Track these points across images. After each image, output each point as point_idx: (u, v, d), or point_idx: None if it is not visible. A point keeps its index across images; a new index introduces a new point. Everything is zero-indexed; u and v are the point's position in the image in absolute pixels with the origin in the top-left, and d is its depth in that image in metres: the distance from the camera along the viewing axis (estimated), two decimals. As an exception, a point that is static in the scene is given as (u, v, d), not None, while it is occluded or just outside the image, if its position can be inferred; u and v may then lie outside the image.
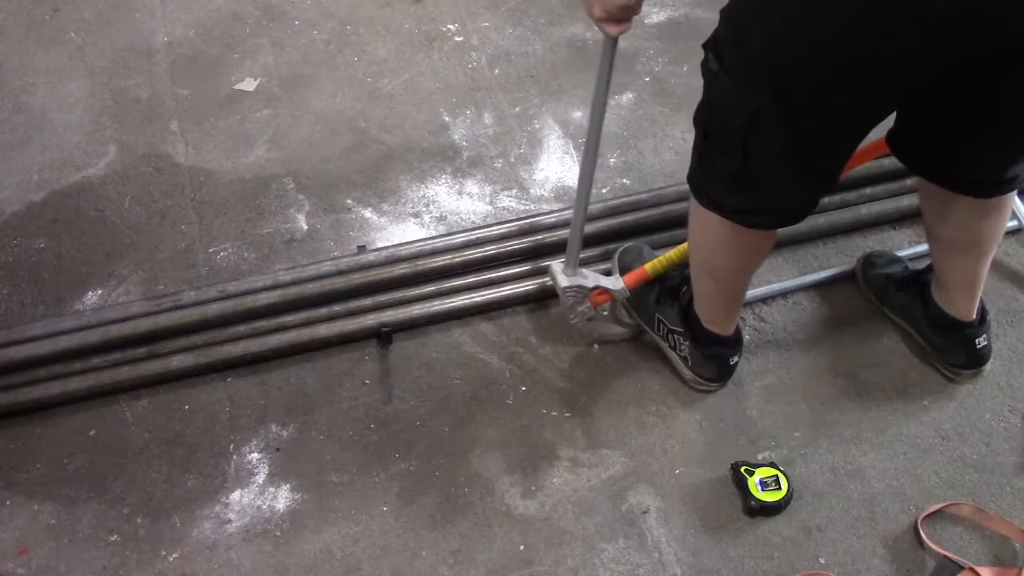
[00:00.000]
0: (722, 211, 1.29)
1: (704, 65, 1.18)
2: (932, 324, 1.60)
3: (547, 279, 1.71)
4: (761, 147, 1.16)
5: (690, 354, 1.57)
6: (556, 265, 1.61)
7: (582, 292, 1.59)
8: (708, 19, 2.39)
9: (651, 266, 1.58)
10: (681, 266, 1.56)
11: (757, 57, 1.09)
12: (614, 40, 1.25)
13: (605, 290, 1.59)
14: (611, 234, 1.82)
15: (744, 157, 1.18)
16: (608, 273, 1.67)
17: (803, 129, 1.14)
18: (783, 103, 1.10)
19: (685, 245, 1.55)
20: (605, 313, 1.65)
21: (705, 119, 1.22)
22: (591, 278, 1.59)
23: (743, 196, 1.25)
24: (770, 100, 1.10)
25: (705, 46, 1.18)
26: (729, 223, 1.30)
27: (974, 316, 1.55)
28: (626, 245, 1.72)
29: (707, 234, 1.37)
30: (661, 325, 1.60)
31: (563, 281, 1.59)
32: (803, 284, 1.77)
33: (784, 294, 1.76)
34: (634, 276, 1.59)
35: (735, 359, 1.59)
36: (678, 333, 1.57)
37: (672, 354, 1.61)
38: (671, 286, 1.60)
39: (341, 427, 1.58)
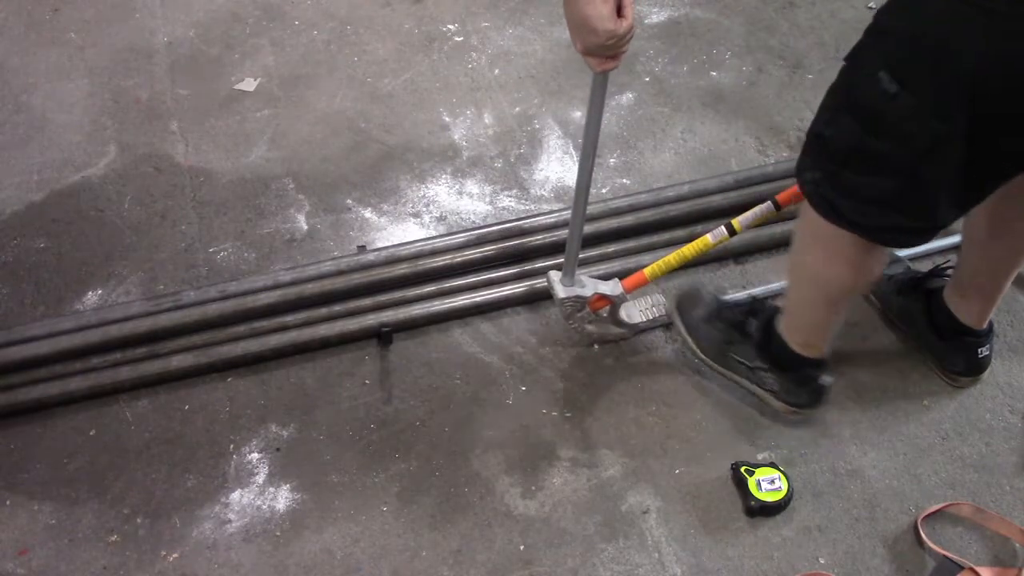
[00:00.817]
0: (865, 231, 1.22)
1: (866, 86, 1.09)
2: (933, 328, 1.59)
3: (545, 280, 1.72)
4: (936, 169, 1.10)
5: (779, 386, 1.52)
6: (553, 274, 1.60)
7: (580, 301, 1.59)
8: (708, 19, 2.39)
9: (650, 270, 1.57)
10: (735, 303, 1.56)
11: (958, 83, 1.02)
12: (603, 76, 1.21)
13: (603, 296, 1.58)
14: (611, 234, 1.82)
15: (911, 178, 1.12)
16: (607, 277, 1.67)
17: (991, 152, 1.09)
18: (978, 128, 1.05)
19: (686, 249, 1.54)
20: (604, 315, 1.65)
21: (857, 140, 1.13)
22: (589, 286, 1.58)
23: (895, 215, 1.17)
24: (964, 125, 1.05)
25: (862, 63, 1.11)
26: (863, 242, 1.23)
27: (984, 325, 1.55)
28: (681, 289, 1.65)
29: (831, 253, 1.30)
30: (740, 365, 1.56)
31: (561, 292, 1.58)
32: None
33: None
34: (632, 280, 1.58)
35: (828, 379, 1.52)
36: (761, 369, 1.53)
37: (757, 391, 1.56)
38: (735, 321, 1.57)
39: (341, 427, 1.58)
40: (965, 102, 1.03)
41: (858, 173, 1.16)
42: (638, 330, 1.67)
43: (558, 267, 1.77)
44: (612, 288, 1.58)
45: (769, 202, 1.50)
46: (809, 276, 1.39)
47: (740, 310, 1.58)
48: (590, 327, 1.64)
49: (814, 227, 1.26)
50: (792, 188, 1.42)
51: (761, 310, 1.57)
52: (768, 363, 1.53)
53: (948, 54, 1.02)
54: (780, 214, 1.87)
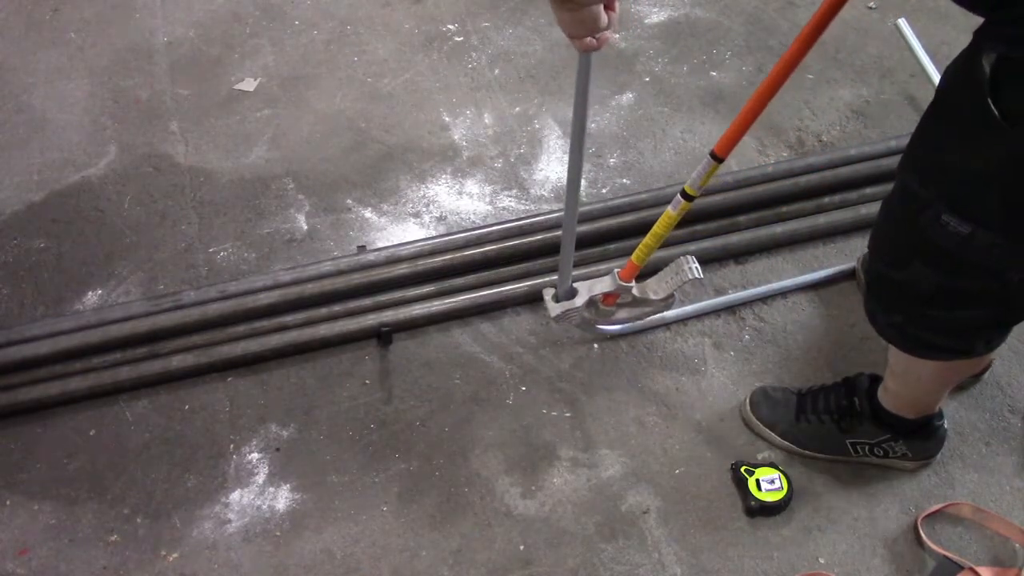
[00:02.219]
0: (970, 354, 1.20)
1: (933, 232, 1.05)
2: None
3: (544, 287, 1.72)
4: None
5: (909, 448, 1.46)
6: (547, 294, 1.55)
7: (577, 313, 1.54)
8: (708, 19, 2.39)
9: (636, 256, 1.49)
10: (818, 388, 1.50)
11: None
12: (587, 58, 1.14)
13: (608, 293, 1.55)
14: (611, 234, 1.82)
15: (1010, 301, 1.10)
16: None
17: None
18: None
19: (656, 227, 1.45)
20: (629, 300, 1.55)
21: (939, 283, 1.09)
22: (581, 292, 1.53)
23: (999, 331, 1.18)
24: None
25: (918, 209, 1.06)
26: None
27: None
28: (750, 401, 1.57)
29: (944, 369, 1.28)
30: (861, 447, 1.47)
31: (552, 311, 1.52)
32: (803, 283, 1.77)
33: (784, 294, 1.76)
34: (627, 270, 1.53)
35: (945, 422, 1.48)
36: (886, 440, 1.46)
37: (886, 462, 1.49)
38: (840, 407, 1.48)
39: (341, 427, 1.58)
40: None
41: (949, 310, 1.12)
42: (670, 299, 1.57)
43: (556, 267, 1.77)
44: (610, 283, 1.54)
45: (708, 157, 1.37)
46: (926, 388, 1.36)
47: (836, 394, 1.49)
48: (624, 313, 1.59)
49: (920, 363, 1.23)
50: (728, 132, 1.32)
51: (858, 384, 1.47)
52: (890, 432, 1.45)
53: (1014, 183, 0.98)
54: (779, 213, 1.87)
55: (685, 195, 1.42)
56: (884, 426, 1.44)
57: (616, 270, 1.53)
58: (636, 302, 1.57)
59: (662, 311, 1.61)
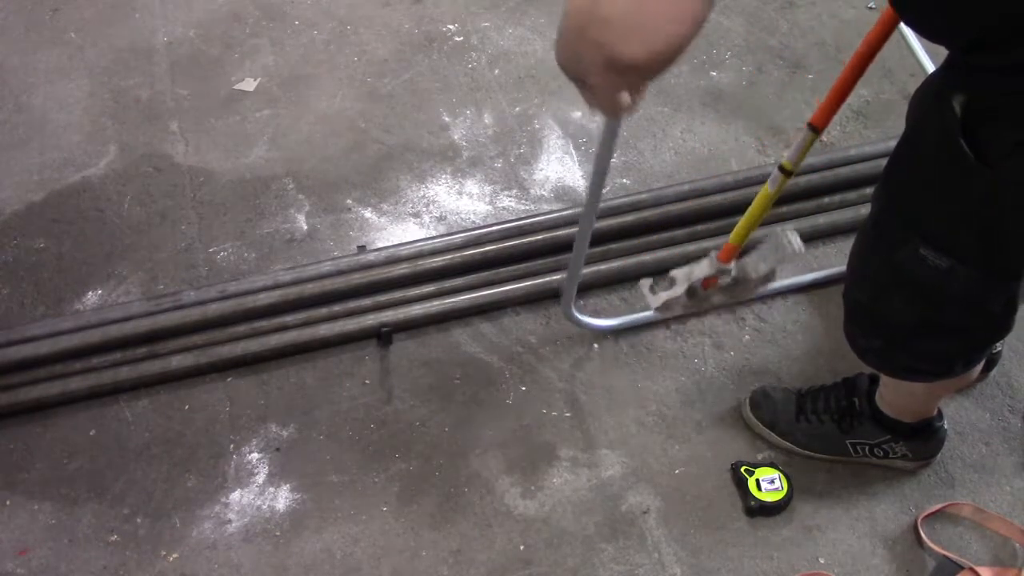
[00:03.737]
0: (955, 374, 1.21)
1: (911, 265, 1.04)
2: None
3: (545, 280, 1.73)
4: (1014, 309, 1.08)
5: (909, 449, 1.46)
6: (643, 285, 1.49)
7: (678, 302, 1.47)
8: (708, 19, 2.39)
9: (734, 237, 1.41)
10: (818, 388, 1.50)
11: (1016, 254, 1.01)
12: (615, 124, 1.09)
13: (708, 277, 1.45)
14: (611, 234, 1.82)
15: (996, 326, 1.10)
16: (614, 276, 1.65)
17: None
18: None
19: (752, 208, 1.39)
20: (731, 280, 1.46)
21: (919, 315, 1.09)
22: (680, 281, 1.45)
23: (982, 352, 1.20)
24: None
25: (896, 241, 1.05)
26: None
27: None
28: (751, 401, 1.58)
29: (932, 388, 1.32)
30: (861, 447, 1.48)
31: (654, 302, 1.46)
32: (803, 283, 1.77)
33: (784, 294, 1.76)
34: (725, 251, 1.43)
35: (945, 422, 1.48)
36: (886, 441, 1.46)
37: (886, 462, 1.49)
38: (840, 407, 1.48)
39: (341, 427, 1.58)
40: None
41: (929, 339, 1.12)
42: (771, 276, 1.49)
43: (556, 267, 1.78)
44: (709, 267, 1.45)
45: (807, 129, 1.31)
46: (919, 400, 1.38)
47: (836, 394, 1.49)
48: (720, 297, 1.51)
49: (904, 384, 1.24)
50: (825, 103, 1.29)
51: (858, 384, 1.48)
52: (890, 433, 1.45)
53: (997, 233, 0.97)
54: (779, 214, 1.87)
55: (783, 170, 1.35)
56: (884, 427, 1.44)
57: (714, 253, 1.45)
58: (736, 283, 1.49)
59: (762, 289, 1.52)
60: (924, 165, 1.01)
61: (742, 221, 1.41)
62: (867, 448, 1.47)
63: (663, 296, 1.45)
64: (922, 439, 1.46)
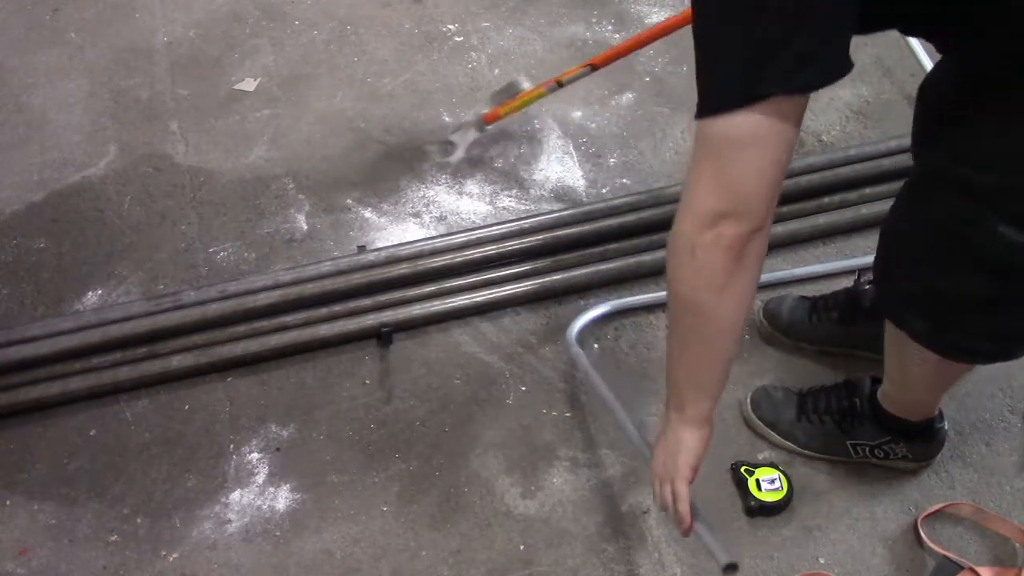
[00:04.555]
0: (1010, 358, 1.19)
1: (987, 242, 1.02)
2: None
3: (544, 280, 1.73)
4: None
5: (909, 450, 1.45)
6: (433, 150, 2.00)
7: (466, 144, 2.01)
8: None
9: (504, 112, 1.93)
10: (819, 389, 1.50)
11: None
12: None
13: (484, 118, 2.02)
14: (611, 234, 1.82)
15: None
16: (606, 278, 1.65)
17: None
18: None
19: (525, 94, 1.90)
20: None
21: (989, 291, 1.08)
22: (459, 143, 2.03)
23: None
24: None
25: (968, 221, 1.03)
26: None
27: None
28: (751, 400, 1.57)
29: (939, 376, 1.30)
30: (861, 448, 1.47)
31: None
32: (801, 276, 1.77)
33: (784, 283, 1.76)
34: (491, 116, 1.98)
35: (946, 423, 1.48)
36: (887, 442, 1.45)
37: (887, 463, 1.48)
38: (841, 408, 1.47)
39: (341, 427, 1.58)
40: None
41: (994, 315, 1.11)
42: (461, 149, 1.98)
43: (556, 267, 1.78)
44: (477, 127, 2.00)
45: (588, 67, 1.85)
46: (924, 390, 1.36)
47: (838, 394, 1.48)
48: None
49: (939, 363, 1.21)
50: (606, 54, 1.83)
51: (860, 385, 1.47)
52: (891, 434, 1.44)
53: None
54: (779, 213, 1.87)
55: (559, 82, 1.88)
56: (885, 428, 1.44)
57: (481, 116, 1.98)
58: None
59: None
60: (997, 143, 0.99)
61: (514, 103, 1.92)
62: (867, 449, 1.46)
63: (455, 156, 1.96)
64: (923, 440, 1.46)
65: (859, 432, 1.46)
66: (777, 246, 1.83)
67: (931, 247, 1.10)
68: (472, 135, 2.02)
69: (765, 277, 1.75)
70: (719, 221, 0.94)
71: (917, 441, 1.45)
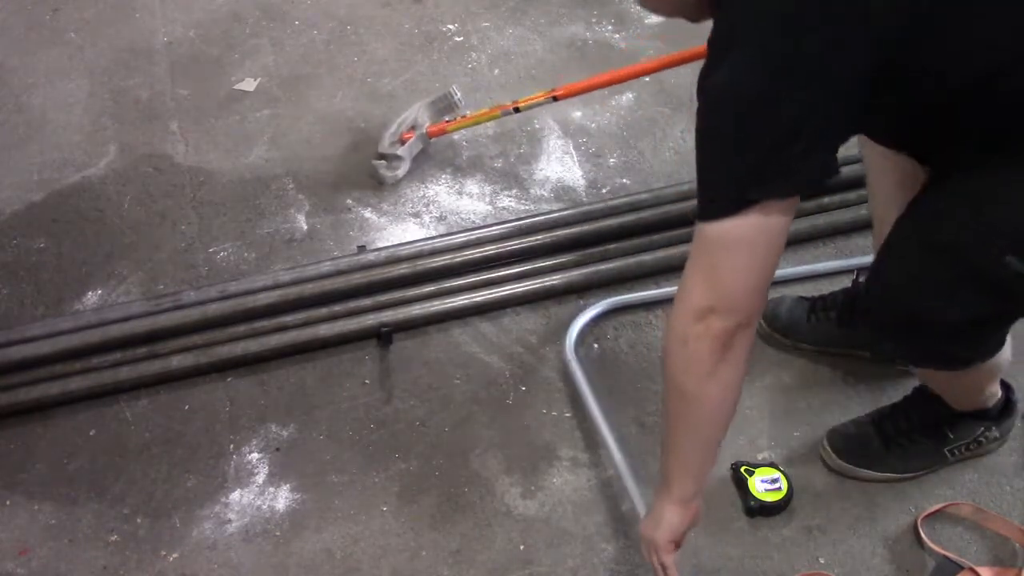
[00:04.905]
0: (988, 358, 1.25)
1: (992, 269, 1.06)
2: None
3: (544, 280, 1.73)
4: None
5: (1001, 431, 1.46)
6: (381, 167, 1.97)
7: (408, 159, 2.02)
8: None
9: (452, 128, 1.96)
10: (894, 409, 1.49)
11: None
12: None
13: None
14: (611, 234, 1.82)
15: None
16: (606, 278, 1.66)
17: None
18: None
19: (479, 114, 1.96)
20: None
21: (987, 311, 1.12)
22: (405, 155, 1.98)
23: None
24: None
25: (976, 249, 1.06)
26: None
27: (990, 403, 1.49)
28: (831, 445, 1.51)
29: (988, 369, 1.33)
30: (958, 449, 1.46)
31: (392, 177, 1.99)
32: (797, 275, 1.77)
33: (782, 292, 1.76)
34: (437, 129, 2.01)
35: (1012, 388, 1.48)
36: (980, 433, 1.45)
37: (980, 451, 1.48)
38: (926, 422, 1.45)
39: (341, 427, 1.58)
40: None
41: (988, 331, 1.17)
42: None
43: (556, 267, 1.78)
44: (422, 141, 2.03)
45: (550, 96, 1.90)
46: (978, 386, 1.38)
47: (916, 410, 1.45)
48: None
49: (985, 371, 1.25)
50: (570, 87, 1.90)
51: (926, 395, 1.45)
52: (983, 423, 1.44)
53: None
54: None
55: (516, 108, 1.93)
56: (974, 421, 1.44)
57: (427, 128, 2.02)
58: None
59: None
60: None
61: (466, 120, 1.98)
62: (963, 447, 1.45)
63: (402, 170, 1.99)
64: (1007, 415, 1.46)
65: (953, 437, 1.44)
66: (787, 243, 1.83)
67: (933, 274, 1.11)
68: (417, 148, 2.02)
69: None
70: (708, 315, 1.01)
71: (1003, 418, 1.46)
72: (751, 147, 0.95)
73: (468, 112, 2.03)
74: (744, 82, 0.94)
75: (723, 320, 1.02)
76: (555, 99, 1.92)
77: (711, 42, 0.99)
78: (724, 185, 0.98)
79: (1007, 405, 1.46)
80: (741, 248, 0.99)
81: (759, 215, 0.97)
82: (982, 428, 1.45)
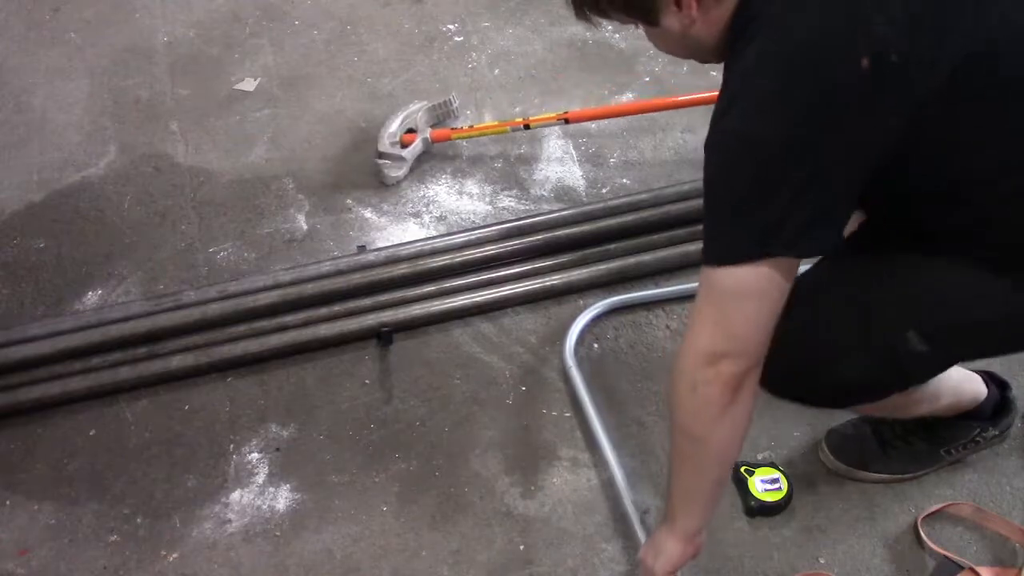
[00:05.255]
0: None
1: (891, 340, 1.10)
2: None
3: (544, 280, 1.73)
4: None
5: (1000, 429, 1.45)
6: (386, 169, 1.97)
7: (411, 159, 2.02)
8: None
9: (457, 135, 1.98)
10: (897, 423, 1.47)
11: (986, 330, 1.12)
12: None
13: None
14: (611, 234, 1.82)
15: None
16: (603, 279, 1.66)
17: None
18: None
19: (487, 127, 1.99)
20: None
21: (874, 380, 1.16)
22: (408, 158, 1.98)
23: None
24: None
25: (884, 318, 1.10)
26: None
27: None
28: (834, 452, 1.50)
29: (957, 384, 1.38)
30: (955, 450, 1.45)
31: (396, 176, 1.99)
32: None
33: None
34: (441, 134, 2.02)
35: (1007, 383, 1.48)
36: (977, 434, 1.44)
37: (978, 448, 1.47)
38: (924, 422, 1.44)
39: (341, 427, 1.58)
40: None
41: (866, 394, 1.20)
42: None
43: (556, 267, 1.78)
44: (424, 145, 2.03)
45: (562, 119, 1.97)
46: (907, 410, 1.38)
47: (926, 425, 1.44)
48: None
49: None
50: (583, 112, 2.00)
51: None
52: (978, 422, 1.44)
53: (981, 322, 1.09)
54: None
55: (526, 126, 1.99)
56: (970, 421, 1.43)
57: (429, 132, 2.03)
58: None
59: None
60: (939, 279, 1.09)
61: (472, 131, 2.01)
62: (960, 447, 1.45)
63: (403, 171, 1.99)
64: (1004, 413, 1.45)
65: (950, 438, 1.44)
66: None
67: (837, 336, 1.13)
68: (419, 151, 2.02)
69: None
70: (719, 360, 1.02)
71: (1000, 417, 1.44)
72: (773, 199, 0.96)
73: (472, 123, 2.06)
74: (768, 130, 0.95)
75: (734, 365, 1.03)
76: (567, 122, 1.98)
77: (730, 85, 1.00)
78: (739, 231, 0.98)
79: (1003, 403, 1.45)
80: (754, 296, 1.00)
81: (772, 267, 0.98)
82: (977, 429, 1.44)
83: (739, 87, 0.98)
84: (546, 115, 1.99)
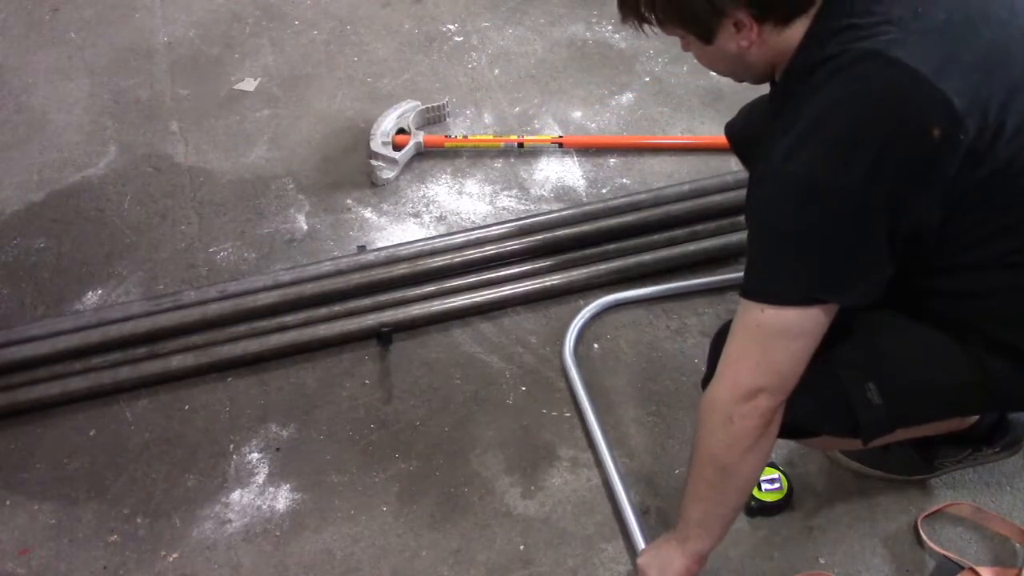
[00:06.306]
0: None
1: (850, 389, 1.12)
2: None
3: (543, 280, 1.73)
4: None
5: (1002, 446, 1.44)
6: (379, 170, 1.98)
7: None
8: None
9: (450, 144, 1.98)
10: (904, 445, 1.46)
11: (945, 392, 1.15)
12: None
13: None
14: (611, 234, 1.82)
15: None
16: (601, 279, 1.66)
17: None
18: None
19: (480, 140, 2.03)
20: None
21: (816, 424, 1.19)
22: (400, 160, 1.98)
23: None
24: None
25: (851, 381, 1.12)
26: None
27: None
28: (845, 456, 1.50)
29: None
30: (947, 463, 1.45)
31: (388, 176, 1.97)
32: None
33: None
34: (433, 140, 2.03)
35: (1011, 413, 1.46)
36: (969, 452, 1.43)
37: (975, 463, 1.47)
38: (916, 439, 1.41)
39: (341, 427, 1.58)
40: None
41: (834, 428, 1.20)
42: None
43: (556, 267, 1.78)
44: (416, 148, 2.04)
45: (557, 143, 2.03)
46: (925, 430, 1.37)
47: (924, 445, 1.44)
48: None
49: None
50: (580, 140, 2.05)
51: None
52: (969, 445, 1.43)
53: (944, 388, 1.13)
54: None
55: (520, 145, 2.03)
56: (963, 440, 1.42)
57: (422, 136, 2.04)
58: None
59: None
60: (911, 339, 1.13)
61: (466, 143, 2.04)
62: (953, 462, 1.44)
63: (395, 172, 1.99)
64: (1000, 433, 1.43)
65: (941, 454, 1.44)
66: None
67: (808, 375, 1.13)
68: (411, 154, 2.04)
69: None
70: (758, 395, 1.05)
71: (998, 437, 1.43)
72: (832, 248, 0.99)
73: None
74: (839, 181, 0.95)
75: (771, 399, 1.06)
76: (561, 146, 2.03)
77: (796, 125, 0.98)
78: (798, 277, 1.01)
79: (999, 424, 1.43)
80: (800, 337, 1.03)
81: (824, 311, 1.01)
82: (969, 450, 1.43)
83: (808, 129, 0.97)
84: (541, 137, 2.05)
